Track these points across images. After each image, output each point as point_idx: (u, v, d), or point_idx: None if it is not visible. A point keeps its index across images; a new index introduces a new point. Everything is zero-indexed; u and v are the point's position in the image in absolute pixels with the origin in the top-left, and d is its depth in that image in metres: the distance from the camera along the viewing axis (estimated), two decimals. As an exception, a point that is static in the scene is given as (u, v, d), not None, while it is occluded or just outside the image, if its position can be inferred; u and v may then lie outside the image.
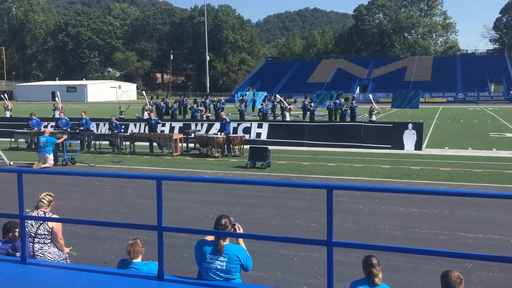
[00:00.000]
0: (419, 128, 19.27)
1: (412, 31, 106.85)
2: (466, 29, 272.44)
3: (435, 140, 22.21)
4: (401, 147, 19.04)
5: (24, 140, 20.71)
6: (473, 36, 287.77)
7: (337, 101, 34.19)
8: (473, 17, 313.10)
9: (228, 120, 19.14)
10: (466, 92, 70.48)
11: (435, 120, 34.63)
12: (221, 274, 4.15)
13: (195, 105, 34.68)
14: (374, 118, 26.83)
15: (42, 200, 5.53)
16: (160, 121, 21.62)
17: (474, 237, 8.15)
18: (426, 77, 77.49)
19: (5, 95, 31.44)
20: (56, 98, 32.87)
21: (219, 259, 4.16)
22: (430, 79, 76.65)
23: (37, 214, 5.38)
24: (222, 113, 21.57)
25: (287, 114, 30.73)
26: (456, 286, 3.72)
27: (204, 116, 31.23)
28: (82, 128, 20.03)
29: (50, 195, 5.63)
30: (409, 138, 19.14)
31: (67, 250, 5.65)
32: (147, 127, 20.83)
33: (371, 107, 27.37)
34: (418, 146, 19.00)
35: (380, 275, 4.11)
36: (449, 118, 36.98)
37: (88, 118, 20.98)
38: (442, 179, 13.11)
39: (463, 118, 37.60)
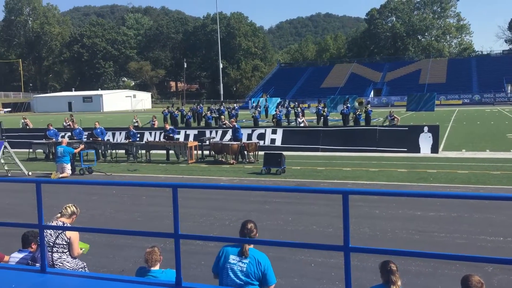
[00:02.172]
0: (435, 131, 19.09)
1: (426, 34, 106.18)
2: (480, 30, 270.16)
3: (451, 143, 21.97)
4: (417, 150, 18.87)
5: (42, 150, 20.99)
6: (488, 37, 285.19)
7: (349, 106, 34.02)
8: (487, 18, 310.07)
9: (237, 126, 19.14)
10: (482, 94, 69.70)
11: (451, 123, 34.27)
12: (241, 277, 4.24)
13: (208, 112, 34.87)
14: (393, 122, 26.90)
15: (66, 209, 5.58)
16: (176, 130, 21.66)
17: (493, 240, 8.02)
18: (441, 79, 76.83)
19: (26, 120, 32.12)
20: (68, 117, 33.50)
21: (242, 261, 4.29)
22: (445, 81, 75.99)
23: (57, 223, 5.44)
24: (232, 120, 21.65)
25: (299, 119, 30.76)
26: (477, 291, 3.67)
27: (223, 123, 31.47)
28: (99, 138, 20.18)
29: (75, 207, 5.66)
30: (425, 141, 18.96)
31: (81, 251, 5.65)
32: (162, 135, 20.90)
33: (391, 111, 27.48)
34: (434, 149, 18.82)
35: (399, 282, 4.06)
36: (465, 120, 36.56)
37: (102, 128, 21.15)
38: (459, 182, 12.95)
39: (480, 120, 37.14)
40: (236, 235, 4.63)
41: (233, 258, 4.31)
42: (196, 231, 8.54)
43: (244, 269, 4.25)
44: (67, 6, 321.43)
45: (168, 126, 21.08)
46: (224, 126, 23.49)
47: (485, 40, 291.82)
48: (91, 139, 20.17)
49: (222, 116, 33.41)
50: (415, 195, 3.99)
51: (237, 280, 4.24)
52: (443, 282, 6.39)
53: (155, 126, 20.11)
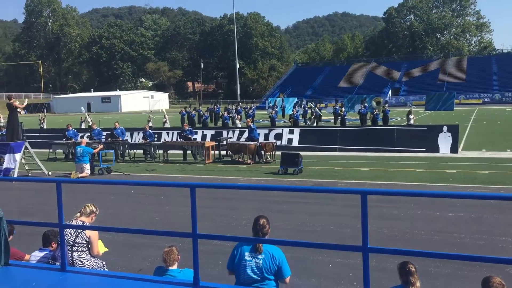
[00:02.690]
0: (454, 131, 18.84)
1: (445, 32, 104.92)
2: (501, 29, 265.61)
3: (471, 143, 21.66)
4: (436, 150, 18.65)
5: (61, 150, 21.28)
6: (509, 35, 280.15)
7: (366, 105, 33.78)
8: (508, 16, 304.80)
9: (253, 126, 19.08)
10: (502, 93, 68.56)
11: (471, 122, 33.78)
12: (257, 272, 4.29)
13: (225, 112, 34.96)
14: (411, 121, 26.70)
15: (85, 208, 5.66)
16: (193, 130, 21.69)
17: (515, 241, 7.88)
18: (461, 78, 75.81)
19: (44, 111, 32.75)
20: (83, 110, 33.74)
21: (257, 257, 4.33)
22: (465, 80, 74.96)
23: (76, 223, 5.51)
24: (248, 120, 21.63)
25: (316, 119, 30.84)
26: (498, 292, 3.61)
27: (238, 123, 31.63)
28: (120, 138, 20.38)
29: (94, 206, 5.74)
30: (444, 141, 18.73)
31: (101, 253, 5.73)
32: (178, 136, 20.98)
33: (409, 110, 27.36)
34: (454, 149, 18.57)
35: (418, 283, 4.01)
36: (485, 120, 36.00)
37: (123, 128, 21.36)
38: (480, 182, 12.76)
39: (501, 119, 36.54)
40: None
41: (248, 255, 4.36)
42: (214, 231, 8.56)
43: (260, 264, 4.31)
44: (86, 8, 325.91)
45: (186, 126, 21.17)
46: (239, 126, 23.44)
47: (506, 38, 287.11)
48: (110, 139, 20.38)
49: (238, 116, 33.52)
50: (434, 196, 3.94)
51: (254, 276, 4.30)
52: (463, 283, 6.31)
53: (186, 128, 19.93)
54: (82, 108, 36.50)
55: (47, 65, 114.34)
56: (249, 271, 4.30)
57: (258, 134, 19.44)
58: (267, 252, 4.35)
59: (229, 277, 4.56)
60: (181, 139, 19.99)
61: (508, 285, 3.89)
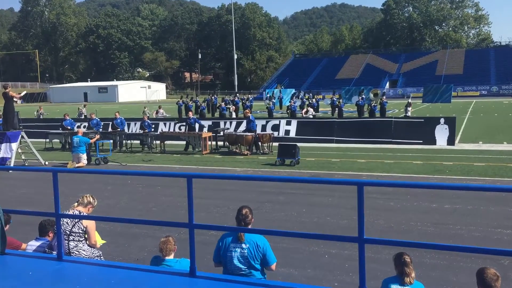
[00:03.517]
0: (451, 123, 18.87)
1: (443, 24, 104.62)
2: (499, 21, 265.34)
3: (468, 135, 21.71)
4: (433, 142, 18.68)
5: (58, 140, 21.23)
6: (507, 28, 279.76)
7: (364, 97, 33.74)
8: (506, 8, 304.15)
9: (251, 118, 19.03)
10: (500, 85, 68.57)
11: (468, 114, 33.83)
12: (243, 261, 4.36)
13: (223, 103, 34.87)
14: (409, 113, 26.77)
15: (83, 198, 5.66)
16: (198, 120, 21.48)
17: (510, 233, 7.93)
18: (458, 70, 75.73)
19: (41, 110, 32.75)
20: (81, 106, 33.81)
21: (241, 246, 4.39)
22: (462, 72, 74.87)
23: (73, 212, 5.51)
24: (246, 111, 21.56)
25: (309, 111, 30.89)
26: (493, 284, 3.64)
27: (233, 113, 31.49)
28: (119, 129, 20.35)
29: (92, 197, 5.75)
30: (441, 133, 18.76)
31: (98, 245, 5.75)
32: (186, 126, 20.80)
33: (408, 102, 27.49)
34: (450, 141, 18.61)
35: (413, 274, 4.04)
36: (482, 112, 36.07)
37: (123, 118, 21.32)
38: (476, 174, 12.81)
39: (498, 111, 36.60)
40: (251, 226, 4.66)
41: (232, 246, 4.42)
42: (210, 221, 8.57)
43: (245, 254, 4.36)
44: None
45: (191, 115, 21.10)
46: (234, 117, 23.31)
47: (504, 31, 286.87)
48: (110, 129, 20.34)
49: (233, 107, 33.43)
50: (430, 187, 3.95)
51: (241, 265, 4.36)
52: (458, 274, 6.35)
53: (191, 117, 19.71)
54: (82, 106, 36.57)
55: (43, 55, 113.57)
56: (235, 261, 4.37)
57: (256, 125, 19.41)
58: (251, 241, 4.40)
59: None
60: (187, 128, 19.95)
61: (503, 277, 3.92)
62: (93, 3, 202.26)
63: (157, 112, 30.54)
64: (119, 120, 20.65)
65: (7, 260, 4.39)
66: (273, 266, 4.50)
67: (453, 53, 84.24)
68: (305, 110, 31.66)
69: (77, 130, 18.15)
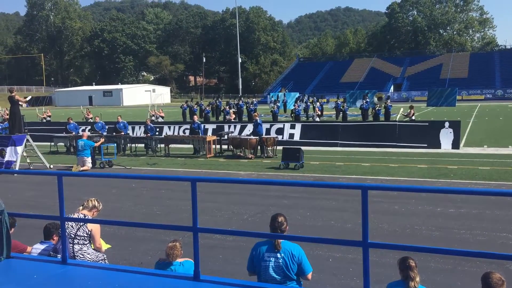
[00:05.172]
0: (456, 127, 18.81)
1: (448, 28, 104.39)
2: (504, 24, 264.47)
3: (473, 139, 21.63)
4: (438, 146, 18.63)
5: (63, 143, 21.31)
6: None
7: (368, 100, 33.67)
8: (511, 12, 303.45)
9: (259, 121, 19.01)
10: (505, 89, 68.32)
11: (473, 118, 33.72)
12: (279, 272, 4.20)
13: (227, 107, 34.91)
14: (398, 117, 26.83)
15: (88, 202, 5.67)
16: (201, 125, 21.44)
17: (516, 238, 7.89)
18: (463, 74, 75.52)
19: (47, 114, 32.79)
20: (82, 108, 33.91)
21: (276, 255, 4.24)
22: (467, 76, 74.65)
23: (78, 216, 5.52)
24: (255, 114, 21.53)
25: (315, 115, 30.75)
26: (498, 288, 3.62)
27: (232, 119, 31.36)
28: (122, 132, 20.38)
29: (97, 201, 5.75)
30: (446, 136, 18.71)
31: (103, 249, 5.76)
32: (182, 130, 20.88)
33: (410, 105, 27.42)
34: (455, 145, 18.55)
35: (418, 278, 4.02)
36: (487, 116, 35.93)
37: (125, 122, 21.36)
38: (481, 178, 12.76)
39: (503, 115, 36.46)
40: (255, 230, 4.65)
41: (267, 255, 4.26)
42: (215, 225, 8.58)
43: (280, 263, 4.21)
44: (88, 1, 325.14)
45: (196, 119, 21.13)
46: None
47: (509, 34, 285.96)
48: (113, 133, 20.39)
49: (231, 112, 33.38)
50: (435, 191, 3.94)
51: (276, 276, 4.21)
52: (463, 279, 6.32)
53: (195, 121, 19.65)
54: (82, 107, 36.69)
55: (49, 58, 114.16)
56: (270, 271, 4.21)
57: (263, 129, 19.31)
58: (286, 250, 4.25)
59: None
60: (190, 132, 19.97)
61: (508, 281, 3.90)
62: (98, 7, 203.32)
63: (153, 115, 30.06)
64: (122, 124, 20.70)
65: (12, 264, 4.41)
66: (309, 276, 4.35)
67: (457, 56, 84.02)
68: (317, 111, 31.28)
69: (82, 133, 18.20)
